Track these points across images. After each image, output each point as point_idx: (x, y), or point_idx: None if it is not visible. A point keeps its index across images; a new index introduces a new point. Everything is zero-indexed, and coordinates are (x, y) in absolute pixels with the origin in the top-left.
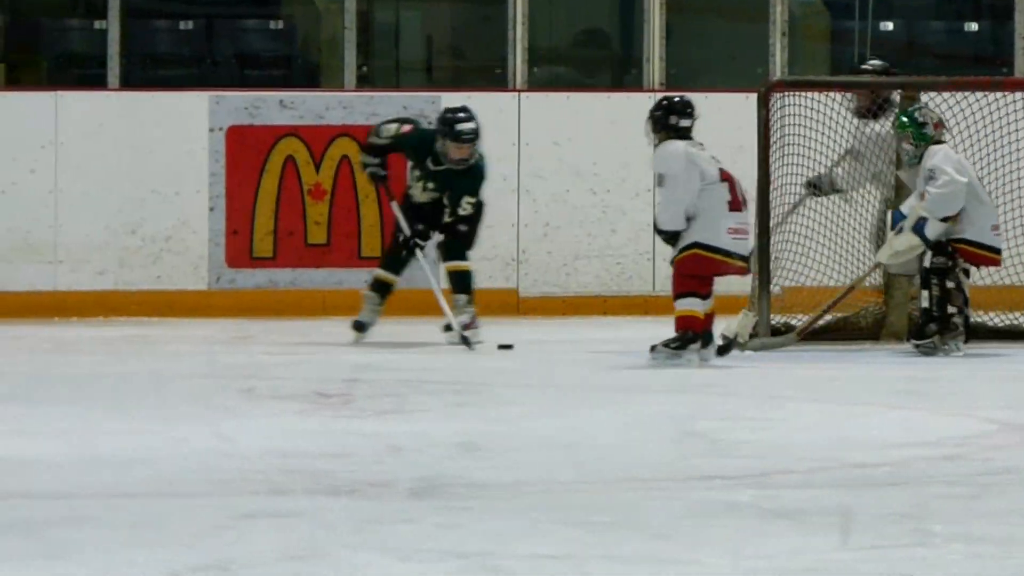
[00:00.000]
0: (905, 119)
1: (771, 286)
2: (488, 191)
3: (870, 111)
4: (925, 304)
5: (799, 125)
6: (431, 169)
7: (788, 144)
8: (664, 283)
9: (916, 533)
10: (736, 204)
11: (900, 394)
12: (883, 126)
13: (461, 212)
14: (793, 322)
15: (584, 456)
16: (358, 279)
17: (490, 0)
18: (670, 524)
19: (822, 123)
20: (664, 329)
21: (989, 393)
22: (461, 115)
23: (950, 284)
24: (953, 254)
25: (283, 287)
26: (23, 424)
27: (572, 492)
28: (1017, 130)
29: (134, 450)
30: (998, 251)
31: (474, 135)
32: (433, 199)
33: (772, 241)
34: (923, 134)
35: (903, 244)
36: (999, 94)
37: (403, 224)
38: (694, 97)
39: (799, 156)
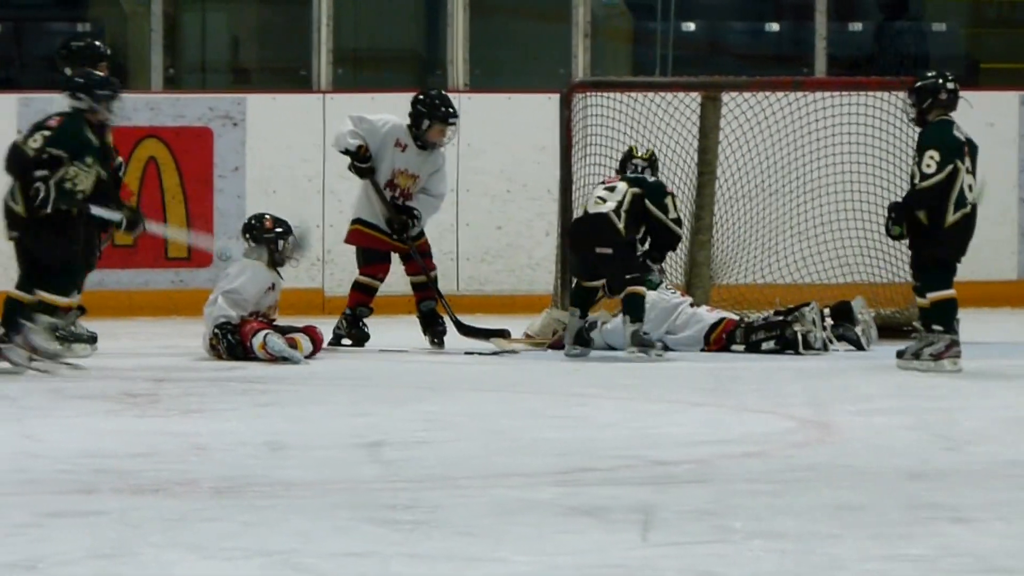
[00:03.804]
0: None
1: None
2: (293, 193)
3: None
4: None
5: (601, 125)
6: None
7: (591, 144)
8: (467, 282)
9: (717, 530)
10: None
11: (703, 391)
12: None
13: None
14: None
15: (387, 455)
16: (164, 279)
17: (295, 2)
18: (473, 522)
19: (624, 123)
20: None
21: (791, 391)
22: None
23: None
24: None
25: (89, 288)
26: None
27: (376, 490)
28: (818, 129)
29: None
30: None
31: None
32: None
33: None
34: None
35: None
36: (800, 94)
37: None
38: (495, 98)
39: (601, 156)
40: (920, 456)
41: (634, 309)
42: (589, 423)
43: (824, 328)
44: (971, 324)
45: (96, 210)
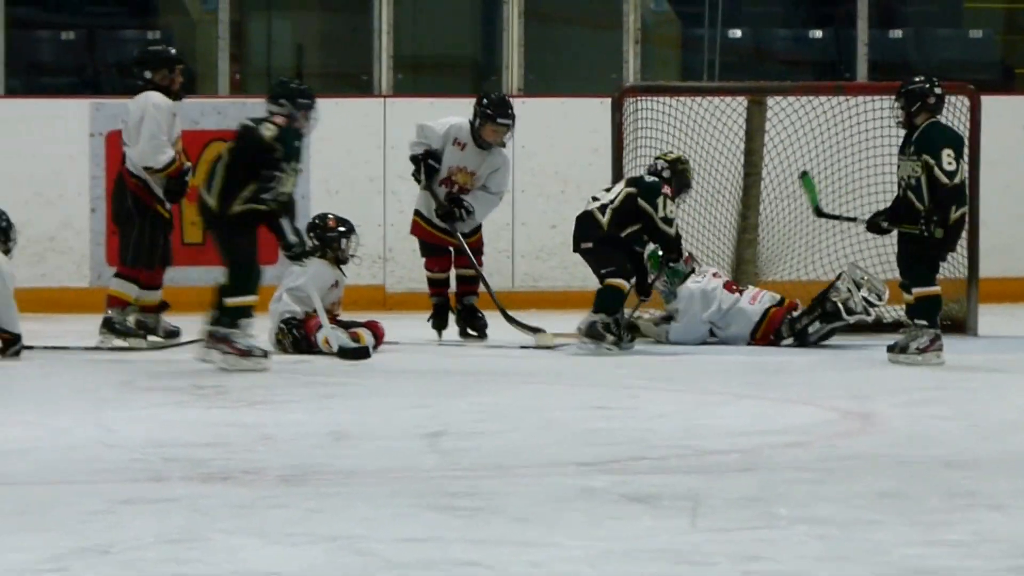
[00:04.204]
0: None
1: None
2: (356, 193)
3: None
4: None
5: (651, 128)
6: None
7: (641, 146)
8: (523, 279)
9: (763, 516)
10: None
11: (749, 384)
12: None
13: None
14: None
15: (446, 444)
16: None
17: (357, 10)
18: (529, 509)
19: (673, 126)
20: (540, 322)
21: (832, 383)
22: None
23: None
24: None
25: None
26: None
27: (435, 479)
28: (859, 132)
29: (18, 441)
30: None
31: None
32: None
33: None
34: (674, 271)
35: None
36: (842, 98)
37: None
38: (549, 103)
39: (651, 158)
40: (957, 446)
41: (602, 300)
42: (639, 414)
43: (862, 292)
44: (1006, 319)
45: (284, 223)
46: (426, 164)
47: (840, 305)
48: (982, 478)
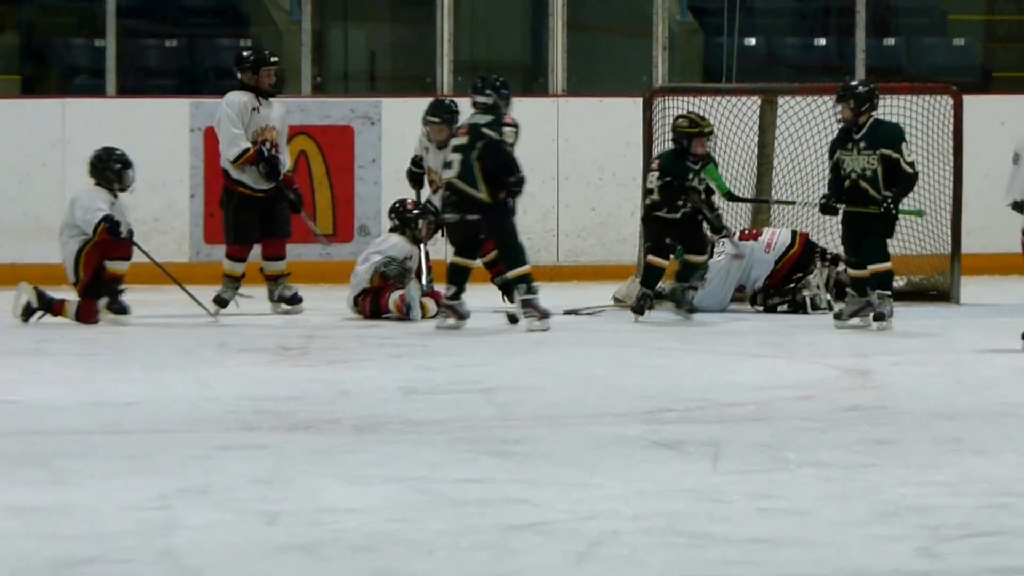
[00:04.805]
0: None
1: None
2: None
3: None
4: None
5: None
6: None
7: (668, 141)
8: (566, 255)
9: (774, 460)
10: None
11: (763, 345)
12: None
13: None
14: None
15: (502, 398)
16: (312, 252)
17: (422, 20)
18: (573, 454)
19: None
20: (568, 293)
21: (835, 345)
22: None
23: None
24: None
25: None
26: (38, 374)
27: (492, 428)
28: None
29: (128, 396)
30: None
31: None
32: None
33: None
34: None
35: None
36: None
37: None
38: (589, 102)
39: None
40: (945, 399)
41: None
42: (668, 372)
43: (828, 292)
44: (986, 289)
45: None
46: (409, 172)
47: (808, 300)
48: (967, 427)
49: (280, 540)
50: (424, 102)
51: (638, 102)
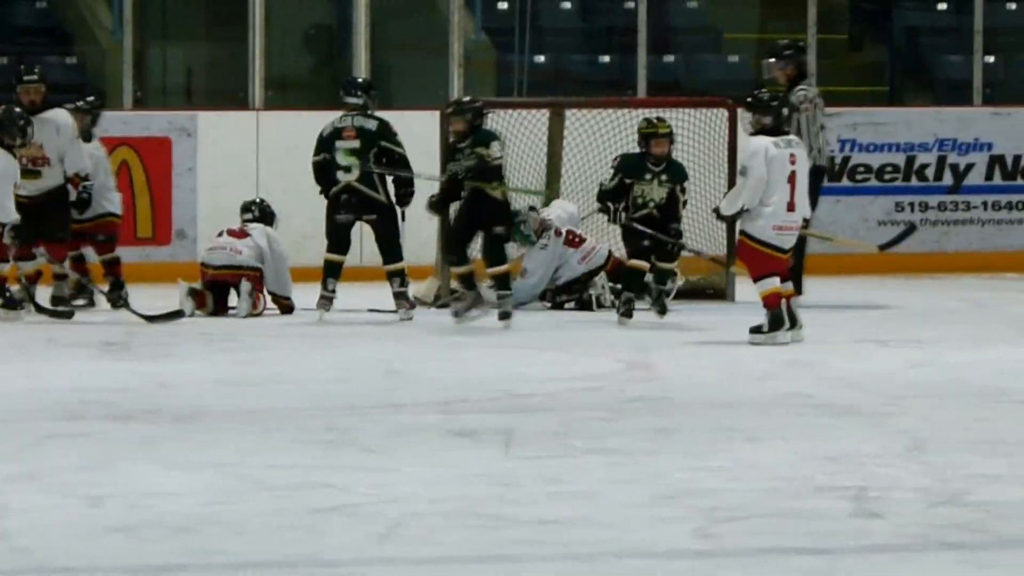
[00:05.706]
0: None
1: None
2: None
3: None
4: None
5: None
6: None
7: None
8: (369, 257)
9: (563, 447)
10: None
11: (552, 340)
12: None
13: None
14: None
15: (311, 389)
16: (133, 254)
17: (235, 39)
18: (375, 441)
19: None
20: (370, 292)
21: (620, 339)
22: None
23: None
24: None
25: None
26: None
27: (301, 417)
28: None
29: None
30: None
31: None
32: None
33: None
34: (525, 236)
35: None
36: (626, 110)
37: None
38: (391, 115)
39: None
40: (722, 390)
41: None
42: (463, 365)
43: (611, 292)
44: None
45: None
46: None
47: (594, 298)
48: (740, 416)
49: (104, 522)
50: (237, 115)
51: (436, 115)
